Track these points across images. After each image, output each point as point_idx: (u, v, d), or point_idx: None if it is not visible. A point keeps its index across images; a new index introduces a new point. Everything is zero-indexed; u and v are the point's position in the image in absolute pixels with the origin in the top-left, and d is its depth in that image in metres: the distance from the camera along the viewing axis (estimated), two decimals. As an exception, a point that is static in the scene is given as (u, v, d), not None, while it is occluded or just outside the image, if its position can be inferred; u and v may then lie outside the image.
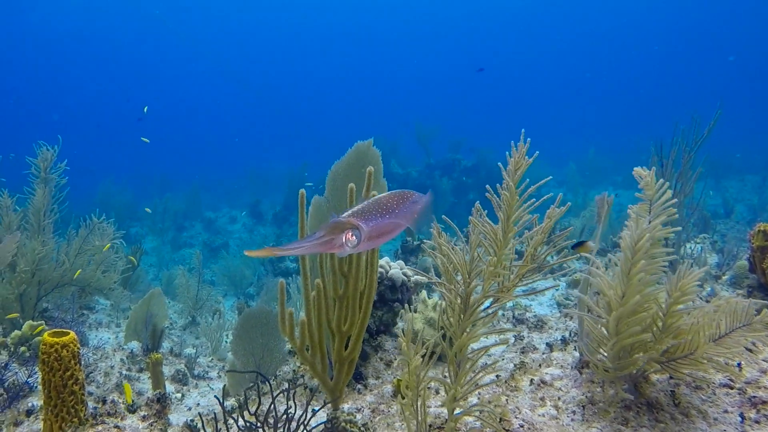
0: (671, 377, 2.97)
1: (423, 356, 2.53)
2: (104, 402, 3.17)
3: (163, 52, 60.26)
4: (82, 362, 5.63)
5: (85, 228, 7.31)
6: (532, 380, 3.16)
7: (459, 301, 2.48)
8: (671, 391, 2.87)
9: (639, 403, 2.79)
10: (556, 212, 2.87)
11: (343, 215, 2.07)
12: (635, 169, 2.67)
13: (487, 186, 2.70)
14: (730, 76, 54.06)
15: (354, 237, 2.01)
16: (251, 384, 4.36)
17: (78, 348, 3.25)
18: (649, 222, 2.70)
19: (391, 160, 20.21)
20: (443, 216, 2.86)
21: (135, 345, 6.40)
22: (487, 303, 2.63)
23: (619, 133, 34.81)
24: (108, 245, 7.22)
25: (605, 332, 2.75)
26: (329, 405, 3.14)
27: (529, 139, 2.64)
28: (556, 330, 4.89)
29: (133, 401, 3.13)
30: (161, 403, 3.04)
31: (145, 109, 16.90)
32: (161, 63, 60.89)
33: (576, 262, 8.43)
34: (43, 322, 5.75)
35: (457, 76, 60.51)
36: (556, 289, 7.08)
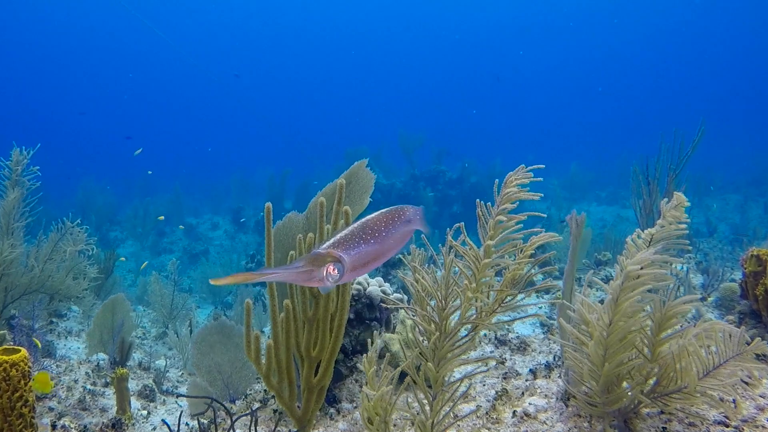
0: (662, 411, 2.80)
1: (392, 382, 2.35)
2: (54, 428, 2.94)
3: (148, 53, 59.78)
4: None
5: (56, 232, 7.05)
6: (515, 412, 2.98)
7: (433, 327, 2.30)
8: (663, 427, 2.69)
9: (628, 440, 2.61)
10: (539, 238, 2.70)
11: (323, 246, 1.91)
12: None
13: (478, 206, 2.52)
14: (713, 92, 54.53)
15: (336, 270, 1.86)
16: (208, 407, 4.14)
17: (29, 367, 3.02)
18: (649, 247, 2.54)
19: (376, 170, 20.02)
20: (422, 236, 2.67)
21: (103, 356, 6.16)
22: (464, 331, 2.46)
23: (601, 147, 34.88)
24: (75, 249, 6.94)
25: (589, 364, 2.58)
26: (297, 435, 2.94)
27: (531, 173, 2.46)
28: (540, 353, 4.71)
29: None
30: (116, 429, 2.82)
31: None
32: (145, 64, 60.40)
33: (561, 283, 8.29)
34: (5, 331, 5.50)
35: (441, 84, 60.64)
36: (539, 308, 6.91)
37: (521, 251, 2.57)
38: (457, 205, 18.62)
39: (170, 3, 56.79)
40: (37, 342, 5.69)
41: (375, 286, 4.41)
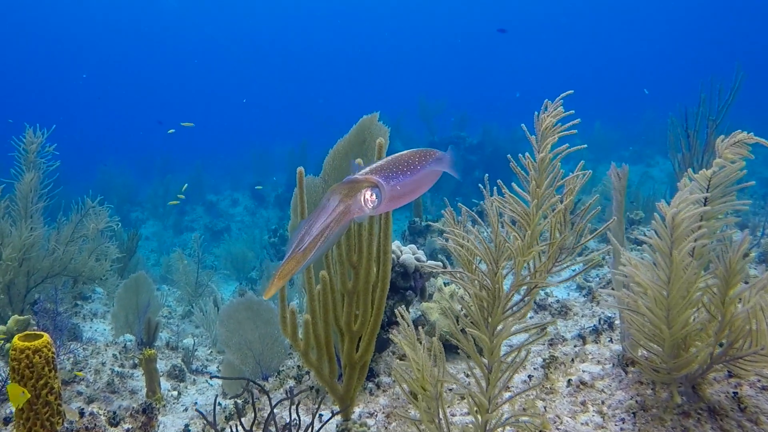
0: (730, 375, 2.58)
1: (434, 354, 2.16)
2: (82, 414, 2.78)
3: (167, 31, 59.45)
4: (72, 359, 5.29)
5: (77, 213, 6.91)
6: (569, 381, 2.77)
7: (485, 293, 2.08)
8: (734, 392, 2.48)
9: (699, 408, 2.40)
10: (578, 181, 2.46)
11: (360, 172, 1.78)
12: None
13: (509, 156, 2.29)
14: (737, 43, 53.20)
15: (374, 197, 1.73)
16: (244, 390, 3.98)
17: (52, 353, 2.87)
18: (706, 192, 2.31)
19: (395, 139, 19.76)
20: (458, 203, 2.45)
21: (130, 338, 6.04)
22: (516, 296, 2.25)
23: (625, 106, 34.16)
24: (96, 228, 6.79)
25: (651, 327, 2.36)
26: (339, 414, 2.75)
27: (562, 102, 2.22)
28: (583, 316, 4.50)
29: (81, 412, 2.75)
30: (147, 415, 2.67)
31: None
32: (162, 41, 60.10)
33: (592, 241, 8.03)
34: (29, 316, 5.38)
35: (461, 49, 59.72)
36: (573, 272, 6.68)
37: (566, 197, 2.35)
38: (478, 170, 18.29)
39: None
40: (45, 336, 5.56)
41: (409, 253, 4.21)
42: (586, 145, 2.65)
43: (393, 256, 4.15)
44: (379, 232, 2.46)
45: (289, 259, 1.57)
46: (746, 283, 2.35)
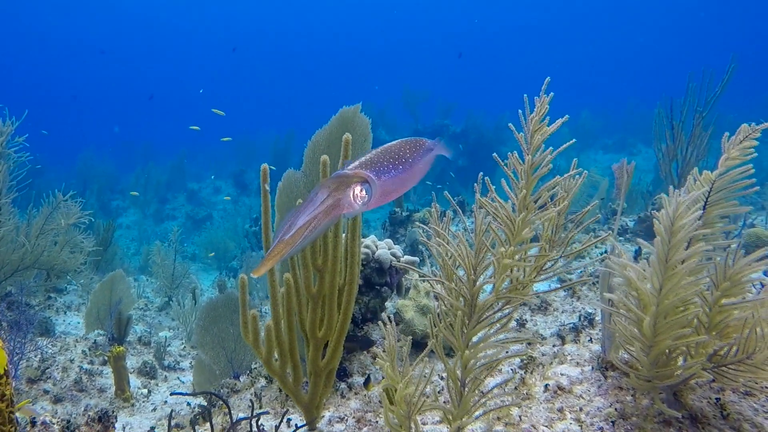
0: (714, 380, 2.48)
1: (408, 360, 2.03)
2: (33, 424, 2.64)
3: (149, 15, 58.66)
4: (40, 355, 5.13)
5: (48, 206, 6.72)
6: (547, 386, 2.65)
7: (462, 303, 1.95)
8: (716, 398, 2.37)
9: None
10: (573, 184, 2.35)
11: (350, 166, 1.71)
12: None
13: (495, 155, 2.16)
14: (723, 33, 53.33)
15: (365, 192, 1.66)
16: (219, 382, 3.85)
17: (4, 359, 2.71)
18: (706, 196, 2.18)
19: (379, 127, 19.59)
20: (444, 193, 2.31)
21: (102, 333, 5.88)
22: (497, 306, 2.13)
23: (609, 94, 34.16)
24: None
25: (637, 333, 2.24)
26: (305, 427, 2.61)
27: (552, 93, 2.09)
28: (563, 312, 4.39)
29: (69, 423, 2.60)
30: (103, 423, 2.52)
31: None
32: (146, 27, 59.32)
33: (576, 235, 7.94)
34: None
35: (446, 38, 59.44)
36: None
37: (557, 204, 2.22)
38: (462, 159, 18.19)
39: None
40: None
41: (384, 248, 4.08)
42: (574, 140, 2.53)
43: (368, 251, 4.02)
44: (346, 234, 2.32)
45: (279, 242, 1.53)
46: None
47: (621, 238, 7.14)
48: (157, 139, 28.87)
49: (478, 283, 1.92)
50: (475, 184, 2.12)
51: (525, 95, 2.09)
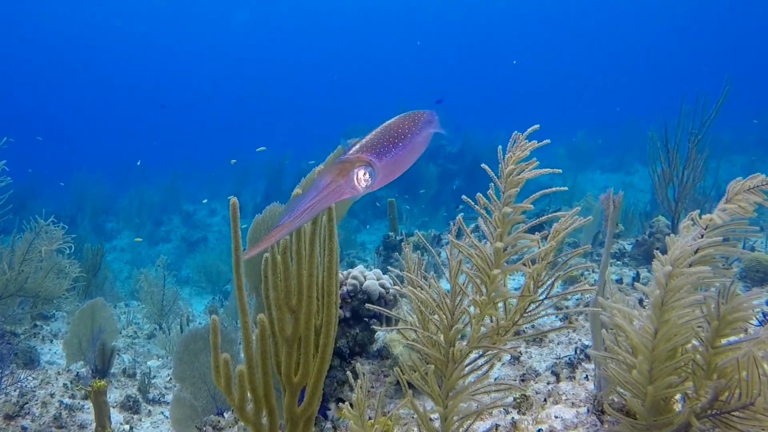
0: (715, 425, 2.33)
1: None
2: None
3: (146, 36, 58.72)
4: (20, 389, 4.96)
5: (30, 232, 6.57)
6: (540, 430, 2.50)
7: (440, 353, 1.81)
8: (719, 447, 2.22)
9: (680, 468, 2.14)
10: (564, 227, 2.22)
11: (351, 150, 1.76)
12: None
13: (478, 195, 2.03)
14: (711, 53, 53.57)
15: (368, 175, 1.70)
16: (202, 419, 3.68)
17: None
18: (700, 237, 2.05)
19: (373, 149, 19.46)
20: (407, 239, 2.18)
21: (84, 365, 5.71)
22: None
23: (606, 113, 34.21)
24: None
25: (630, 378, 2.10)
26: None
27: (534, 141, 1.98)
28: (558, 344, 4.23)
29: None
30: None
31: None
32: (143, 48, 59.38)
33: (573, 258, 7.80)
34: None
35: (443, 57, 59.68)
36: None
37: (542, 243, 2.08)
38: (459, 179, 18.11)
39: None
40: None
41: (373, 279, 3.94)
42: (566, 188, 2.40)
43: (356, 282, 3.88)
44: (322, 272, 2.19)
45: (276, 226, 1.56)
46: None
47: (619, 262, 7.01)
48: (151, 161, 28.71)
49: (453, 329, 1.78)
50: (451, 222, 1.99)
51: (499, 147, 1.98)
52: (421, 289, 1.85)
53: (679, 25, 55.26)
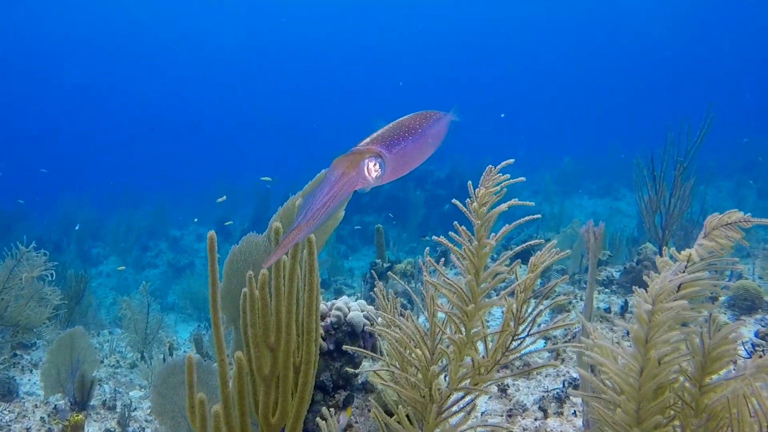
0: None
1: None
2: None
3: (136, 59, 58.65)
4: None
5: (12, 258, 6.47)
6: (526, 474, 2.44)
7: (419, 394, 1.75)
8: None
9: None
10: (544, 258, 2.17)
11: (362, 143, 1.77)
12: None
13: (452, 234, 1.98)
14: (696, 78, 54.20)
15: (378, 166, 1.72)
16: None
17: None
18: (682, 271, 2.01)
19: (363, 173, 19.46)
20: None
21: (62, 397, 5.59)
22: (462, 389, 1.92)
23: (593, 138, 34.45)
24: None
25: (616, 419, 2.04)
26: None
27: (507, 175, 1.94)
28: (546, 376, 4.18)
29: None
30: None
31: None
32: (134, 71, 59.28)
33: (559, 286, 7.76)
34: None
35: (430, 84, 60.03)
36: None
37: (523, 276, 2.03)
38: (448, 204, 18.10)
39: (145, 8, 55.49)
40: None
41: (357, 311, 3.87)
42: (539, 216, 2.36)
43: (340, 313, 3.82)
44: (301, 308, 2.13)
45: (293, 230, 1.56)
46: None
47: (607, 289, 6.97)
48: (139, 185, 28.61)
49: (431, 371, 1.72)
50: (419, 258, 1.94)
51: (469, 182, 1.95)
52: (398, 328, 1.79)
53: (666, 52, 55.91)
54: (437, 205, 18.24)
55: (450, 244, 1.92)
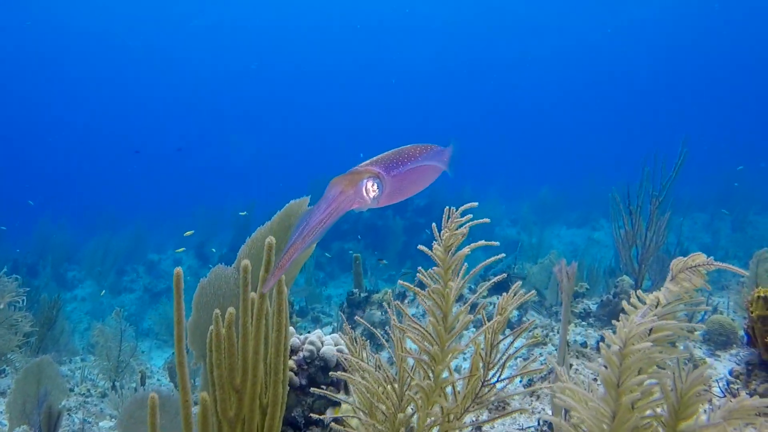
0: None
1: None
2: None
3: (117, 81, 58.20)
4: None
5: (-18, 285, 6.35)
6: None
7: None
8: None
9: None
10: (511, 302, 2.15)
11: (361, 164, 1.82)
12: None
13: (420, 270, 1.96)
14: (670, 109, 55.02)
15: (376, 186, 1.75)
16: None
17: None
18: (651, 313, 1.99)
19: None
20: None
21: (28, 429, 5.45)
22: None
23: (571, 168, 34.76)
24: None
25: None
26: None
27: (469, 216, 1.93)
28: (521, 413, 4.14)
29: None
30: None
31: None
32: (115, 93, 58.85)
33: (536, 314, 7.76)
34: None
35: (409, 113, 60.38)
36: (515, 349, 6.33)
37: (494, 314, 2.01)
38: (427, 233, 18.12)
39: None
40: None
41: (330, 345, 3.83)
42: (503, 256, 2.34)
43: (313, 348, 3.77)
44: (269, 348, 2.09)
45: (289, 248, 1.58)
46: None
47: (584, 322, 6.96)
48: (118, 209, 28.33)
49: (398, 420, 1.69)
50: (387, 306, 1.91)
51: (434, 224, 1.94)
52: (367, 372, 1.76)
53: (644, 83, 56.70)
54: (417, 233, 18.25)
55: (416, 289, 1.89)
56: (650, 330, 2.09)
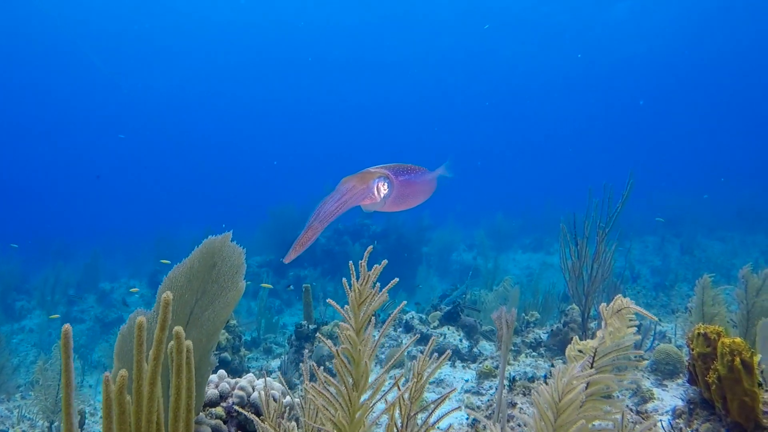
0: None
1: None
2: None
3: (68, 101, 56.97)
4: None
5: None
6: None
7: None
8: None
9: None
10: (426, 366, 2.02)
11: (372, 167, 1.93)
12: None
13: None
14: (619, 132, 56.17)
15: (386, 186, 1.87)
16: None
17: None
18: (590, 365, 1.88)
19: (290, 231, 19.31)
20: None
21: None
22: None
23: (526, 193, 35.15)
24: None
25: None
26: None
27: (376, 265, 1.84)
28: (463, 456, 4.01)
29: None
30: None
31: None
32: (66, 113, 57.61)
33: (487, 343, 7.65)
34: None
35: (369, 138, 60.55)
36: (465, 382, 6.22)
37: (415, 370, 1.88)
38: (383, 258, 18.01)
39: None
40: None
41: (262, 390, 3.65)
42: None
43: (242, 393, 3.60)
44: (176, 404, 1.91)
45: (306, 229, 1.72)
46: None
47: (534, 352, 6.89)
48: (71, 237, 27.72)
49: None
50: (301, 364, 1.78)
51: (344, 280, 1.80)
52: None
53: (597, 111, 57.73)
54: (374, 259, 18.09)
55: (333, 349, 1.75)
56: (587, 385, 1.99)
